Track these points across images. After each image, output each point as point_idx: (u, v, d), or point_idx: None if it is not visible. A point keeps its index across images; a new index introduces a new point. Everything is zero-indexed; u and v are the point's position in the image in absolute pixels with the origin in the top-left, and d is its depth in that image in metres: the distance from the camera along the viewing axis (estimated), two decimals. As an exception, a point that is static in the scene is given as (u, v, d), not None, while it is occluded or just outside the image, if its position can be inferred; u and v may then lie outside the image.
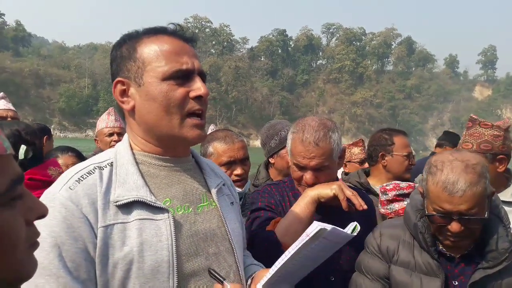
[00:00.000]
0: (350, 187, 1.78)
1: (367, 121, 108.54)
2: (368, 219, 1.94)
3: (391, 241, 1.70)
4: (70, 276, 0.99)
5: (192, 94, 1.15)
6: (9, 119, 3.29)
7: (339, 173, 3.60)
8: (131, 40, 1.20)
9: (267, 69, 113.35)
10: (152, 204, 1.11)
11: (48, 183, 1.87)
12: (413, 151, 2.79)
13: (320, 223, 1.28)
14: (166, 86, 1.13)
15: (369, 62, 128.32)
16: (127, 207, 1.09)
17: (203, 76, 1.21)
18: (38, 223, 1.00)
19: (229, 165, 2.16)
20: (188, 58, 1.17)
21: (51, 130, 4.28)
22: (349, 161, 4.11)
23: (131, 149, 1.21)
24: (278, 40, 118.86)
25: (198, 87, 1.16)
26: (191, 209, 1.21)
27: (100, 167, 1.14)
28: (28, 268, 0.67)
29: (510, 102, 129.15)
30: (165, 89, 1.13)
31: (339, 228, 1.32)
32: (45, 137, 3.92)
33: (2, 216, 0.59)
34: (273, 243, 1.63)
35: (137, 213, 1.09)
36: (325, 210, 1.81)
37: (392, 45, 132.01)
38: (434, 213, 1.50)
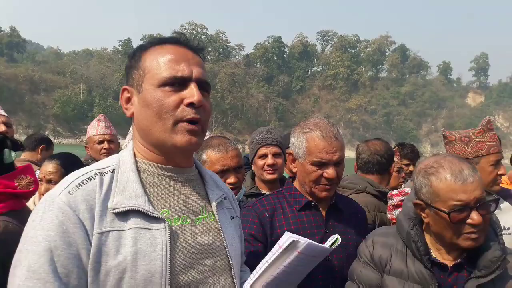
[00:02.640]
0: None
1: (362, 127, 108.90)
2: (361, 228, 2.01)
3: (383, 249, 1.69)
4: (58, 282, 0.99)
5: (185, 101, 1.14)
6: (1, 124, 3.22)
7: None
8: (140, 50, 1.22)
9: (262, 75, 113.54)
10: (149, 213, 1.10)
11: (13, 195, 1.78)
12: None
13: (292, 235, 1.25)
14: (160, 92, 1.13)
15: (363, 69, 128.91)
16: (124, 215, 1.09)
17: (205, 85, 1.20)
18: (35, 226, 1.01)
19: (223, 173, 2.14)
20: (186, 66, 1.16)
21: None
22: None
23: (135, 156, 1.22)
24: (274, 47, 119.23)
25: (191, 93, 1.14)
26: (189, 220, 1.20)
27: (102, 173, 1.15)
28: None
29: (503, 108, 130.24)
30: (159, 95, 1.13)
31: (315, 242, 1.29)
32: (41, 147, 4.01)
33: None
34: None
35: (133, 222, 1.09)
36: (325, 217, 1.91)
37: (386, 52, 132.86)
38: (453, 209, 1.46)
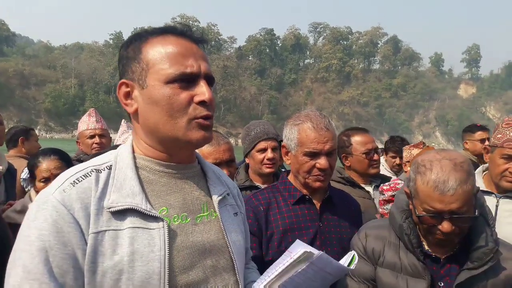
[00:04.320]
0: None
1: (354, 119, 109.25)
2: (355, 221, 2.02)
3: (376, 242, 1.69)
4: (54, 283, 0.97)
5: (196, 99, 1.11)
6: None
7: None
8: (138, 40, 1.15)
9: (255, 68, 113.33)
10: (147, 212, 1.07)
11: None
12: (376, 146, 2.85)
13: (306, 245, 1.22)
14: (169, 89, 1.09)
15: (355, 61, 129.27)
16: (120, 214, 1.05)
17: (211, 80, 1.16)
18: (29, 225, 0.99)
19: None
20: (194, 61, 1.12)
21: (36, 131, 4.16)
22: (408, 161, 3.99)
23: (133, 152, 1.18)
24: (266, 39, 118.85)
25: (202, 91, 1.11)
26: (189, 219, 1.16)
27: (98, 170, 1.12)
28: None
29: (494, 99, 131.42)
30: (168, 92, 1.09)
31: (330, 257, 1.25)
32: (20, 140, 3.95)
33: None
34: None
35: (130, 221, 1.05)
36: (323, 216, 1.92)
37: (378, 44, 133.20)
38: (424, 213, 1.48)
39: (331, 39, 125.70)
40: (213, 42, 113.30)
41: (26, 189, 3.44)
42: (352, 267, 1.32)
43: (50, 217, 1.00)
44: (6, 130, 3.85)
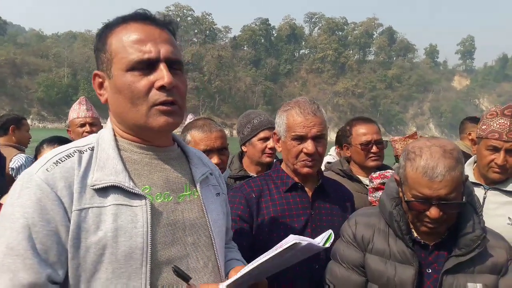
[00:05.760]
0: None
1: (349, 110, 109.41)
2: (347, 210, 2.03)
3: (366, 229, 1.70)
4: (37, 259, 0.99)
5: (156, 84, 1.11)
6: None
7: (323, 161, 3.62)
8: (105, 31, 1.17)
9: (250, 58, 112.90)
10: (130, 190, 1.09)
11: None
12: (379, 138, 2.69)
13: (296, 236, 1.26)
14: (129, 77, 1.10)
15: (351, 52, 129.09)
16: (104, 191, 1.08)
17: (176, 64, 1.16)
18: (13, 203, 1.01)
19: (206, 153, 2.06)
20: (152, 46, 1.11)
21: (29, 120, 4.17)
22: None
23: (114, 135, 1.20)
24: (261, 29, 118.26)
25: (161, 76, 1.10)
26: (171, 197, 1.19)
27: (81, 151, 1.13)
28: None
29: (488, 91, 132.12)
30: (129, 80, 1.10)
31: (314, 242, 1.28)
32: (11, 128, 3.92)
33: None
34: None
35: (113, 198, 1.08)
36: (315, 204, 1.93)
37: (374, 35, 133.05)
38: (413, 199, 1.50)
39: (326, 30, 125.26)
40: (207, 32, 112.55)
41: (15, 178, 3.39)
42: (327, 245, 1.32)
43: (34, 195, 1.02)
44: None
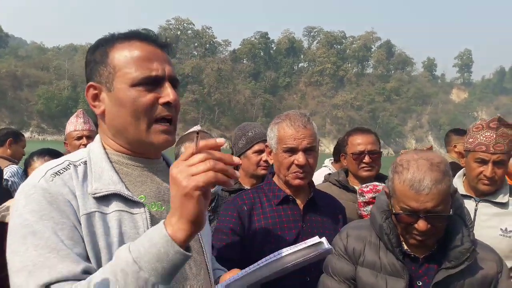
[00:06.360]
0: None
1: (348, 123, 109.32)
2: (339, 223, 2.05)
3: (357, 242, 1.72)
4: (71, 250, 0.98)
5: (161, 100, 1.16)
6: None
7: (320, 173, 3.60)
8: (104, 45, 1.20)
9: (249, 71, 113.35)
10: (129, 198, 1.12)
11: None
12: (374, 148, 2.67)
13: (323, 238, 1.27)
14: (135, 92, 1.14)
15: (349, 65, 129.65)
16: (105, 199, 1.10)
17: (175, 82, 1.22)
18: (21, 213, 0.98)
19: None
20: (158, 64, 1.17)
21: (29, 133, 4.25)
22: None
23: (104, 148, 1.22)
24: (260, 43, 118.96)
25: (167, 93, 1.16)
26: (163, 207, 1.22)
27: (74, 164, 1.15)
28: None
29: (486, 104, 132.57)
30: (134, 95, 1.14)
31: (330, 246, 1.31)
32: (8, 141, 3.96)
33: None
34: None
35: (115, 205, 1.10)
36: (307, 217, 1.95)
37: (372, 48, 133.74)
38: (401, 212, 1.52)
39: (325, 43, 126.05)
40: (207, 45, 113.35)
41: (6, 187, 3.46)
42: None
43: (43, 198, 1.01)
44: None
